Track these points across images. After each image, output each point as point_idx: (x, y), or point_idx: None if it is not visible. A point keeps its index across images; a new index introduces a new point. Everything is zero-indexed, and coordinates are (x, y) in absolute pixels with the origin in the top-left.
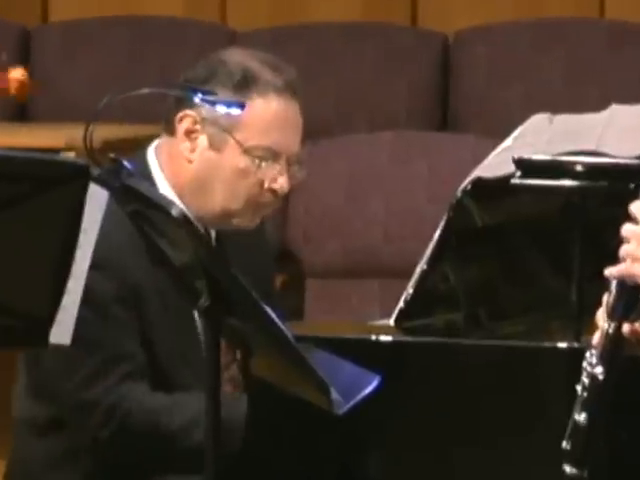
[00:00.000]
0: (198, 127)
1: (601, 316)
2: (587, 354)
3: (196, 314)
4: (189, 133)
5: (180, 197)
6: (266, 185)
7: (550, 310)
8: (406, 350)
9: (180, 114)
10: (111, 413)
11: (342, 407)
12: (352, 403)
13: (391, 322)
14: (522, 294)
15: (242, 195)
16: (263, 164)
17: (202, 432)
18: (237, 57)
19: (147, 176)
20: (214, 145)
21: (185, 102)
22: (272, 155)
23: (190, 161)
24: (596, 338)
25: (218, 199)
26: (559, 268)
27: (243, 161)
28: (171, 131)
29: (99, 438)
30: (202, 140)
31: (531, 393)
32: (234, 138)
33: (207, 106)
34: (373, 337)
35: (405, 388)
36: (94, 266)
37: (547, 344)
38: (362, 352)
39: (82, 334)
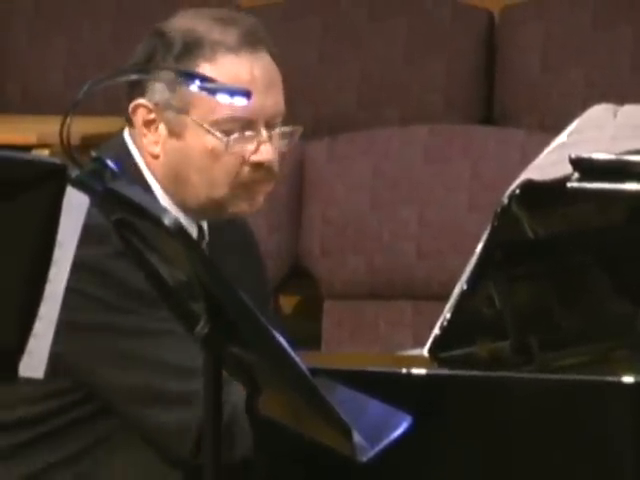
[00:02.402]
0: (154, 116)
1: None
2: None
3: None
4: (148, 124)
5: (165, 190)
6: (249, 159)
7: (613, 339)
8: (443, 385)
9: (131, 105)
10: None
11: (366, 453)
12: (378, 448)
13: (425, 352)
14: (580, 320)
15: (222, 179)
16: (232, 138)
17: None
18: (178, 23)
19: (136, 170)
20: (174, 131)
21: (136, 88)
22: (243, 124)
23: (156, 156)
24: None
25: (199, 190)
26: (624, 289)
27: (209, 141)
28: (130, 123)
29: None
30: (162, 129)
31: (591, 435)
32: (192, 118)
33: (156, 87)
34: (404, 370)
35: (441, 430)
36: (116, 255)
37: (610, 378)
38: (390, 388)
39: (140, 325)
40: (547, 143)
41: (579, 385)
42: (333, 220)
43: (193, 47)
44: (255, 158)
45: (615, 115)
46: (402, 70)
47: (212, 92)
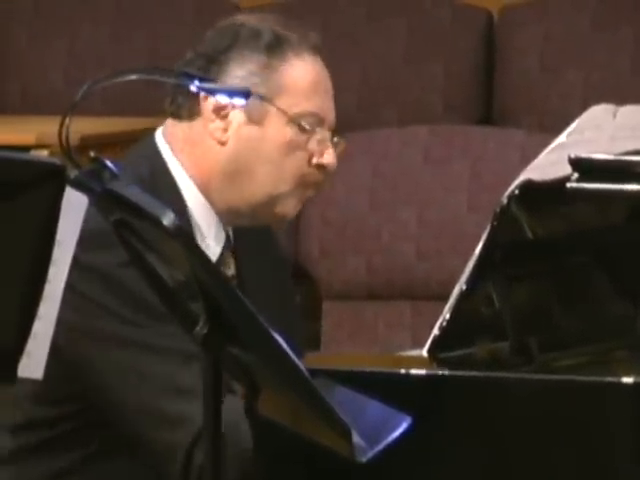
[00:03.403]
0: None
1: None
2: None
3: None
4: (219, 110)
5: (205, 190)
6: (315, 160)
7: (613, 339)
8: (442, 386)
9: None
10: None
11: (365, 453)
12: (377, 449)
13: (424, 352)
14: (580, 320)
15: (290, 174)
16: (315, 132)
17: None
18: (256, 18)
19: (164, 169)
20: (253, 118)
21: (209, 73)
22: (319, 122)
23: (223, 143)
24: None
25: (262, 182)
26: (624, 290)
27: (290, 132)
28: (188, 113)
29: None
30: (236, 115)
31: (591, 436)
32: (276, 106)
33: (238, 73)
34: (403, 371)
35: (440, 430)
36: (125, 264)
37: (610, 379)
38: (390, 388)
39: (144, 339)
40: (546, 143)
41: (579, 386)
42: (332, 221)
43: (283, 39)
44: (322, 160)
45: (614, 116)
46: (401, 70)
47: (211, 92)
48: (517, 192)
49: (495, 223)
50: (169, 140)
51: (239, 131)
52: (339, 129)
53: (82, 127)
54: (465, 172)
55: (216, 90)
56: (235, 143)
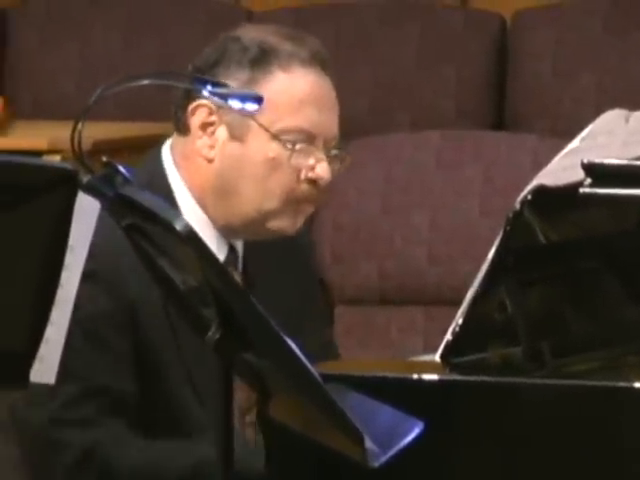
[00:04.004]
0: (214, 118)
1: None
2: None
3: None
4: (205, 126)
5: (202, 205)
6: (303, 175)
7: (626, 344)
8: (455, 391)
9: (192, 105)
10: (87, 459)
11: (378, 459)
12: (390, 454)
13: (437, 358)
14: (592, 325)
15: (276, 190)
16: (297, 148)
17: None
18: (251, 32)
19: (162, 181)
20: (235, 135)
21: (196, 90)
22: (306, 138)
23: (210, 160)
24: None
25: (249, 199)
26: (637, 294)
27: (273, 148)
28: (183, 128)
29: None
30: (221, 132)
31: (604, 441)
32: (258, 122)
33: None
34: (415, 376)
35: (453, 436)
36: (85, 277)
37: (622, 384)
38: (402, 394)
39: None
40: (559, 148)
41: (591, 391)
42: (344, 225)
43: (270, 53)
44: (312, 175)
45: (627, 120)
46: (414, 75)
47: (223, 97)
48: (530, 197)
49: (508, 228)
50: (172, 152)
51: (224, 148)
52: (351, 134)
53: (94, 132)
54: (477, 177)
55: (228, 95)
56: (220, 160)
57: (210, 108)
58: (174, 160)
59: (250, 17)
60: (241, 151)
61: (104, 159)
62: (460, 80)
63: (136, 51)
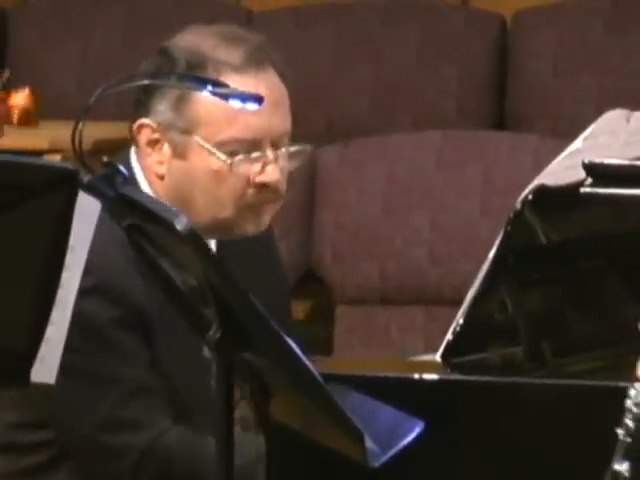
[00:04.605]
0: (158, 135)
1: None
2: (632, 392)
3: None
4: (152, 144)
5: None
6: (253, 180)
7: (626, 344)
8: (455, 391)
9: (135, 125)
10: (146, 459)
11: (378, 458)
12: (390, 454)
13: (437, 357)
14: (593, 325)
15: (227, 200)
16: (237, 159)
17: None
18: (184, 40)
19: (133, 183)
20: (178, 152)
21: (140, 107)
22: (249, 145)
23: (161, 176)
24: None
25: (204, 210)
26: (637, 294)
27: (214, 162)
28: (135, 144)
29: None
30: (166, 149)
31: (605, 440)
32: (196, 139)
33: (160, 107)
34: (416, 375)
35: (453, 435)
36: (87, 293)
37: (623, 383)
38: (403, 393)
39: (91, 370)
40: (560, 148)
41: (592, 390)
42: (345, 225)
43: (197, 67)
44: (260, 179)
45: (628, 121)
46: (415, 75)
47: (224, 97)
48: (531, 197)
49: (509, 228)
50: (138, 156)
51: (170, 165)
52: (352, 134)
53: (95, 132)
54: (478, 177)
55: (229, 95)
56: (169, 176)
57: (151, 127)
58: (140, 164)
59: (250, 17)
60: (186, 167)
61: (105, 159)
62: (461, 80)
63: (137, 51)
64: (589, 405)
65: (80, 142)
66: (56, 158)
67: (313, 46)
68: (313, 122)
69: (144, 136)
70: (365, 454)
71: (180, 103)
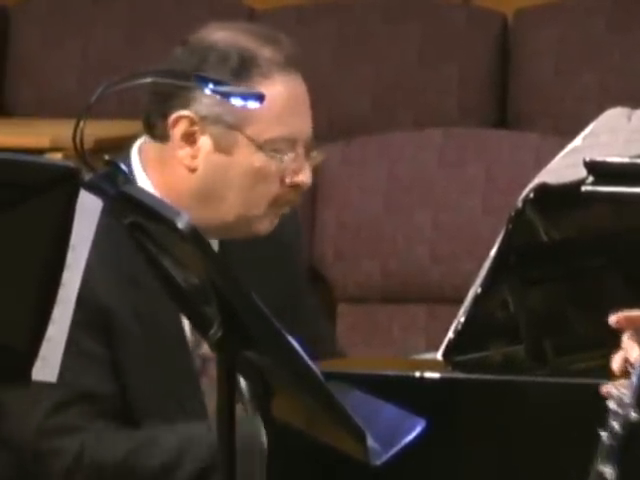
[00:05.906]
0: (197, 128)
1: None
2: (614, 392)
3: (189, 342)
4: (187, 137)
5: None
6: (288, 180)
7: None
8: (457, 389)
9: (173, 116)
10: (77, 463)
11: (380, 457)
12: (392, 452)
13: (439, 356)
14: (595, 323)
15: (263, 198)
16: (284, 157)
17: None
18: (226, 36)
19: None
20: (221, 147)
21: (176, 99)
22: (290, 145)
23: (193, 169)
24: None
25: (233, 207)
26: (639, 292)
27: (259, 159)
28: (161, 136)
29: None
30: (204, 142)
31: None
32: (245, 135)
33: (204, 100)
34: (417, 374)
35: (455, 434)
36: None
37: None
38: (404, 392)
39: None
40: (561, 147)
41: (593, 389)
42: (347, 224)
43: (250, 62)
44: (296, 179)
45: (629, 119)
46: (416, 74)
47: (225, 96)
48: (532, 195)
49: (510, 226)
50: (143, 156)
51: (207, 158)
52: (353, 132)
53: (96, 130)
54: (480, 175)
55: (231, 94)
56: (204, 170)
57: (192, 119)
58: (143, 164)
59: (252, 15)
60: (227, 162)
61: (106, 157)
62: (462, 78)
63: (138, 49)
64: (591, 403)
65: (81, 140)
66: (57, 156)
67: (314, 44)
68: (314, 120)
69: (181, 129)
70: (367, 452)
71: (229, 97)
